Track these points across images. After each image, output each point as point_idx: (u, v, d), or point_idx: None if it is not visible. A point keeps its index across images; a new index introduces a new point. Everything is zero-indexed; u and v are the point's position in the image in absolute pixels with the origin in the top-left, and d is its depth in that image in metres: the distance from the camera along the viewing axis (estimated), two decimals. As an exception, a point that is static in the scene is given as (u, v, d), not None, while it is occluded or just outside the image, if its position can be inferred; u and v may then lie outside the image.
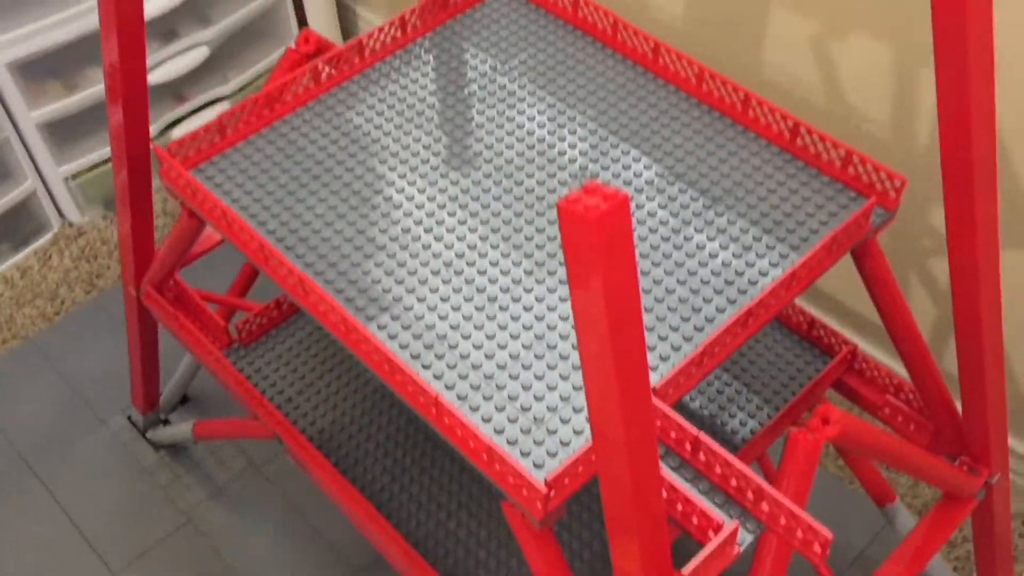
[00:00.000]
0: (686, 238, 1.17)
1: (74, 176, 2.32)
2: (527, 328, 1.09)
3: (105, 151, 2.31)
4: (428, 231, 1.18)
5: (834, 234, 1.13)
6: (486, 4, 1.45)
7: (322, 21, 2.48)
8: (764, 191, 1.21)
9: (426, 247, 1.17)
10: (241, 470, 1.91)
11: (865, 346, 1.89)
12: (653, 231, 1.18)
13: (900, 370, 1.68)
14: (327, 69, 1.34)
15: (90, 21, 2.08)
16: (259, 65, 2.44)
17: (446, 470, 1.38)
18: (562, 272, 1.14)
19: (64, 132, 2.24)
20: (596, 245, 0.69)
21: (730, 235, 1.17)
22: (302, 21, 2.49)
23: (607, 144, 1.27)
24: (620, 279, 0.71)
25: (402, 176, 1.24)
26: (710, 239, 1.17)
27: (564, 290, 1.12)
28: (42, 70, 2.13)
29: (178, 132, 2.37)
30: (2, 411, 2.05)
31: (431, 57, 1.39)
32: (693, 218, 1.19)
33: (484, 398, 1.03)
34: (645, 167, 1.24)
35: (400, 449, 1.40)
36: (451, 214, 1.20)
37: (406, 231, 1.19)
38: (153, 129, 2.31)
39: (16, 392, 2.08)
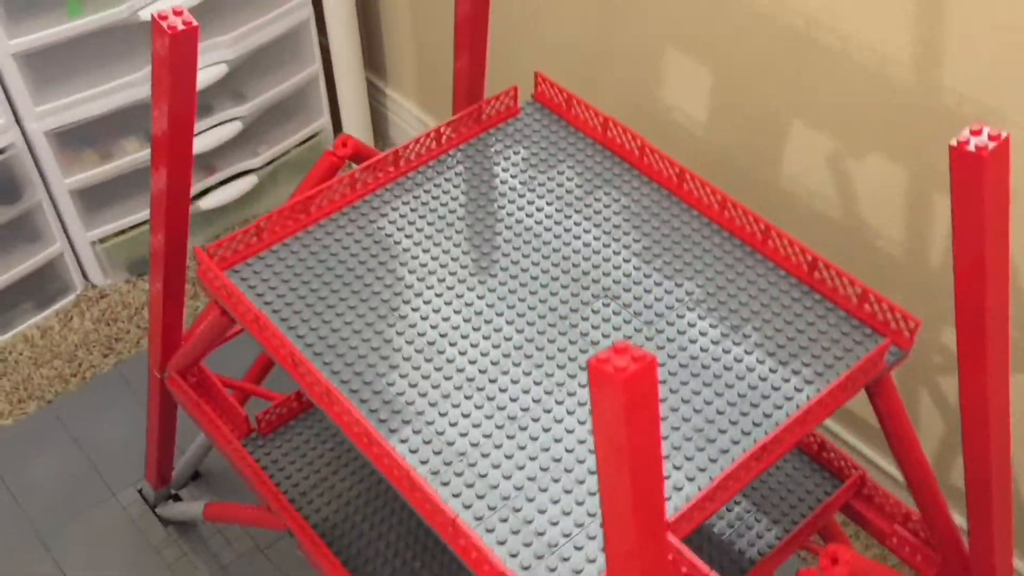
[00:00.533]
0: (703, 366, 1.20)
1: (101, 240, 2.37)
2: (545, 450, 1.11)
3: (132, 218, 2.37)
4: (453, 344, 1.22)
5: (849, 373, 1.16)
6: (518, 119, 1.50)
7: (352, 102, 2.55)
8: (781, 322, 1.24)
9: (450, 360, 1.20)
10: (247, 551, 1.92)
11: (872, 454, 1.90)
12: (672, 356, 1.21)
13: (907, 496, 1.70)
14: (362, 178, 1.39)
15: (129, 94, 2.14)
16: (288, 141, 2.51)
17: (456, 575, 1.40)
18: (582, 394, 1.16)
19: (95, 198, 2.30)
20: (624, 405, 0.72)
21: (747, 365, 1.20)
22: (333, 101, 2.56)
23: (631, 265, 1.31)
24: (643, 438, 0.74)
25: (430, 287, 1.28)
26: (727, 368, 1.20)
27: (583, 412, 1.15)
28: (79, 139, 2.19)
29: (206, 202, 2.42)
30: (14, 474, 2.07)
31: (463, 168, 1.44)
32: (711, 345, 1.22)
33: (500, 520, 1.05)
34: (667, 291, 1.28)
35: (411, 551, 1.42)
36: (475, 328, 1.23)
37: (431, 343, 1.22)
38: (181, 197, 2.38)
39: (29, 455, 2.10)
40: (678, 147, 1.84)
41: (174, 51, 1.12)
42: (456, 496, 1.07)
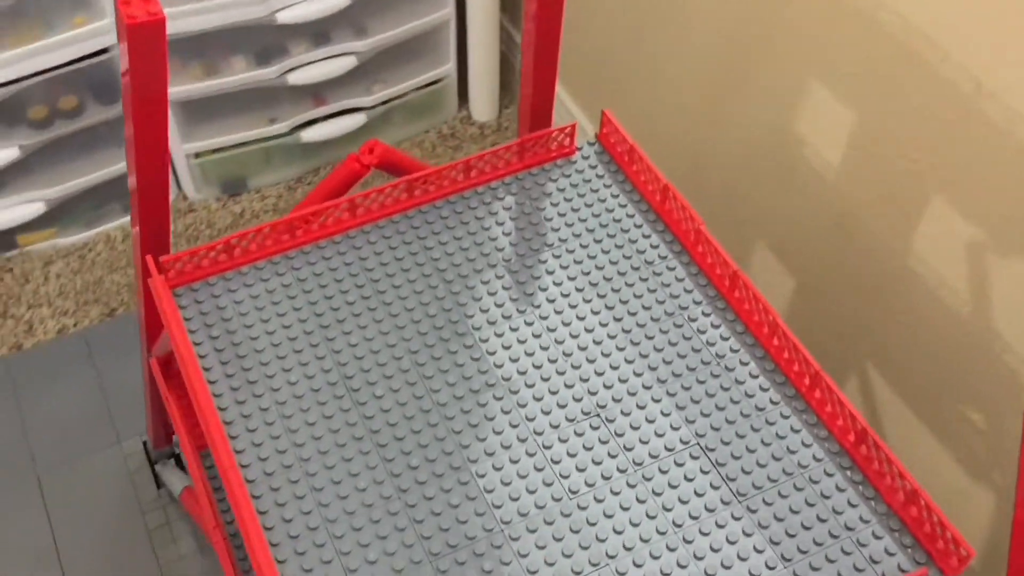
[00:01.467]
0: (701, 532, 0.97)
1: (197, 155, 2.29)
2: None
3: (230, 137, 2.29)
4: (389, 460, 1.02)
5: (862, 599, 0.91)
6: (571, 161, 1.27)
7: (482, 51, 2.35)
8: (802, 501, 0.99)
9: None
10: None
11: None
12: (650, 516, 0.98)
13: None
14: (364, 204, 1.19)
15: (241, 12, 2.03)
16: (406, 84, 2.34)
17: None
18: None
19: (196, 112, 2.22)
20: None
21: (737, 551, 0.96)
22: (462, 49, 2.36)
23: (625, 388, 1.07)
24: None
25: (381, 364, 1.08)
26: (713, 549, 0.96)
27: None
28: (187, 50, 2.11)
29: (308, 134, 2.31)
30: (31, 399, 2.02)
31: (472, 216, 1.22)
32: (703, 512, 0.98)
33: None
34: (657, 433, 1.04)
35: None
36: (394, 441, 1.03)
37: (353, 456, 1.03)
38: (284, 127, 2.27)
39: (50, 383, 2.04)
40: (801, 187, 1.56)
41: (136, 49, 0.94)
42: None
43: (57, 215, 2.26)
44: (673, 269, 1.17)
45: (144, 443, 1.95)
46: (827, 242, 1.57)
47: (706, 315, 1.13)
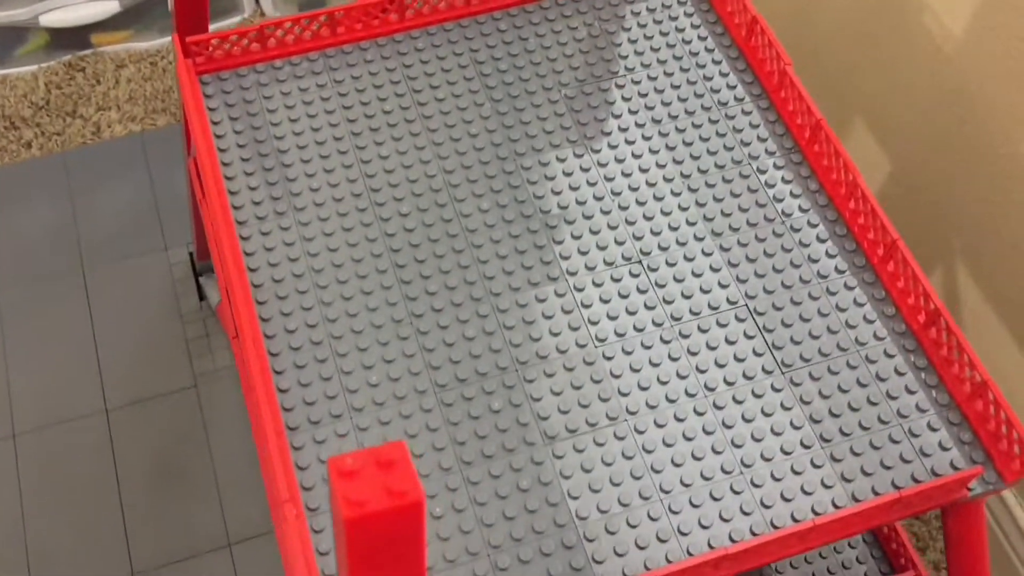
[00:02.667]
0: (736, 400, 0.87)
1: None
2: (417, 455, 0.84)
3: None
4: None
5: (921, 489, 0.81)
6: (650, -17, 1.13)
7: None
8: (853, 380, 0.88)
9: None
10: (264, 357, 1.78)
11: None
12: (701, 371, 0.89)
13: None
14: (415, 5, 1.07)
15: None
16: None
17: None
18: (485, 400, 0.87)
19: None
20: (348, 551, 0.45)
21: (792, 420, 0.86)
22: None
23: (673, 235, 0.97)
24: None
25: (412, 180, 0.99)
26: (765, 413, 0.87)
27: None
28: None
29: None
30: (83, 195, 1.99)
31: (533, 28, 1.10)
32: (741, 380, 0.88)
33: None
34: (703, 289, 0.94)
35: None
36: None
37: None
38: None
39: (102, 181, 2.01)
40: (914, 56, 1.39)
41: None
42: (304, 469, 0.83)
43: (133, 17, 2.19)
44: (749, 113, 1.04)
45: (190, 253, 1.92)
46: (934, 122, 1.40)
47: (778, 168, 1.00)
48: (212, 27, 2.21)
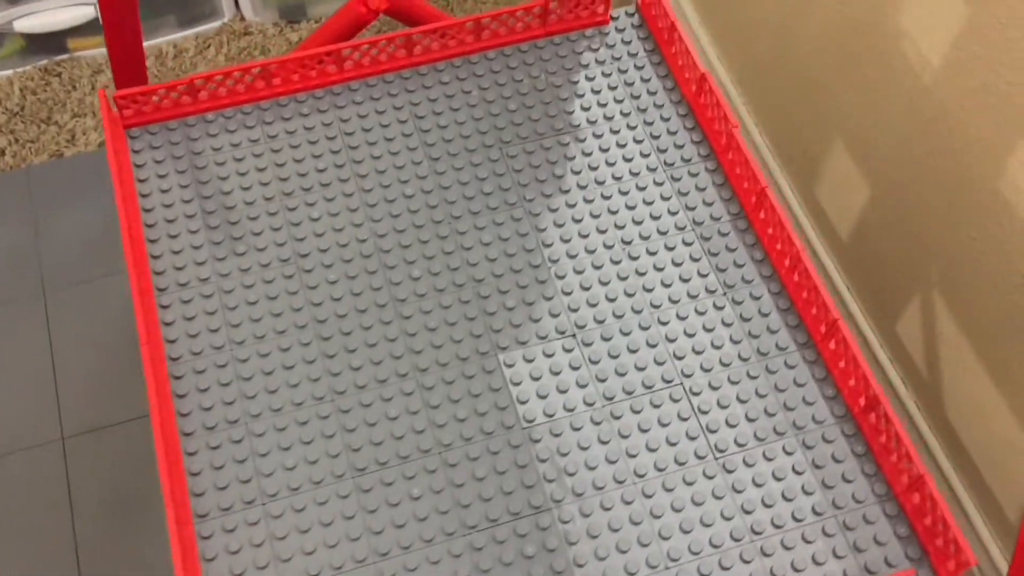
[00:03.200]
0: (678, 461, 0.84)
1: None
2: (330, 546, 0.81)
3: None
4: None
5: (833, 594, 0.78)
6: (603, 31, 1.09)
7: None
8: (789, 466, 0.85)
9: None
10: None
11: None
12: (649, 449, 0.85)
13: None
14: (354, 57, 1.04)
15: None
16: None
17: None
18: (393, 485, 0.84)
19: None
20: None
21: (722, 511, 0.83)
22: None
23: (611, 308, 0.93)
24: None
25: (342, 245, 0.96)
26: (695, 503, 0.83)
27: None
28: None
29: None
30: (46, 217, 1.96)
31: (475, 81, 1.06)
32: (681, 485, 0.85)
33: None
34: (658, 359, 0.90)
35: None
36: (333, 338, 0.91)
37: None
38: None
39: (66, 200, 1.98)
40: (892, 84, 1.36)
41: None
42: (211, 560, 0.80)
43: (106, 23, 2.15)
44: (696, 175, 1.00)
45: (153, 275, 1.89)
46: (911, 150, 1.36)
47: (722, 234, 0.97)
48: (193, 31, 2.18)
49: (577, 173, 1.00)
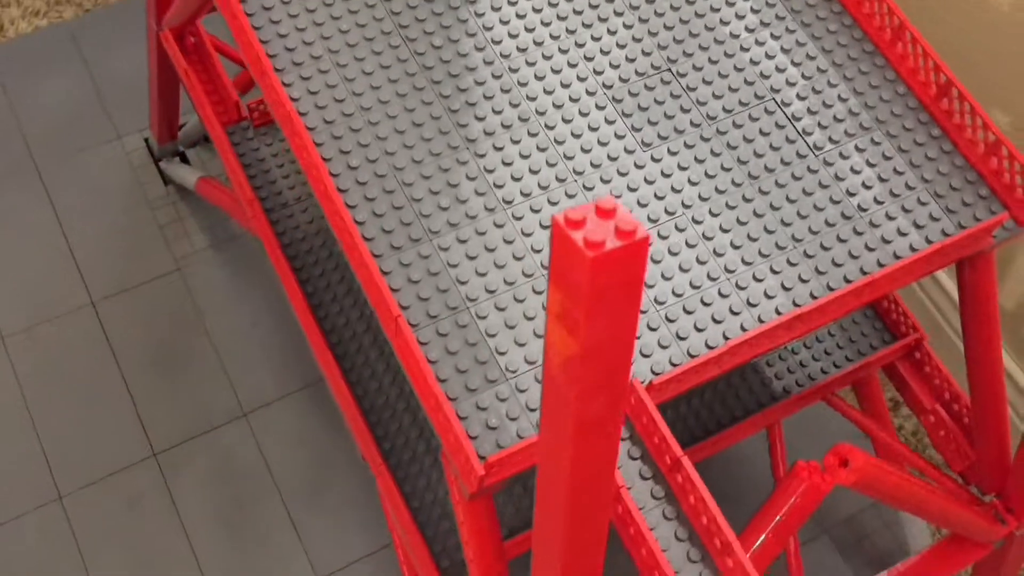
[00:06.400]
0: (794, 176, 0.94)
1: None
2: (499, 266, 0.89)
3: None
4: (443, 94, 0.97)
5: (942, 245, 0.90)
6: None
7: None
8: (878, 154, 0.96)
9: (418, 124, 0.96)
10: (244, 233, 1.78)
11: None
12: (758, 155, 0.95)
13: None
14: None
15: None
16: None
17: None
18: (547, 211, 0.93)
19: None
20: (591, 290, 0.50)
21: (847, 187, 0.94)
22: None
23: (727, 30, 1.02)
24: (613, 332, 0.52)
25: None
26: (822, 185, 0.94)
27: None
28: None
29: None
30: (19, 92, 1.91)
31: None
32: (809, 153, 0.95)
33: (438, 333, 0.86)
34: (763, 73, 1.00)
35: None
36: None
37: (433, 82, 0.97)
38: None
39: (37, 76, 1.94)
40: None
41: None
42: (395, 291, 0.87)
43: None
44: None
45: (146, 140, 1.88)
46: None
47: (781, -33, 1.05)
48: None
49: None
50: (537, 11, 1.01)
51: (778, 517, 0.88)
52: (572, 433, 0.55)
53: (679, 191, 0.94)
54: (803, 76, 1.00)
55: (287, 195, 1.30)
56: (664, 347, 0.87)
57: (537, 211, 0.92)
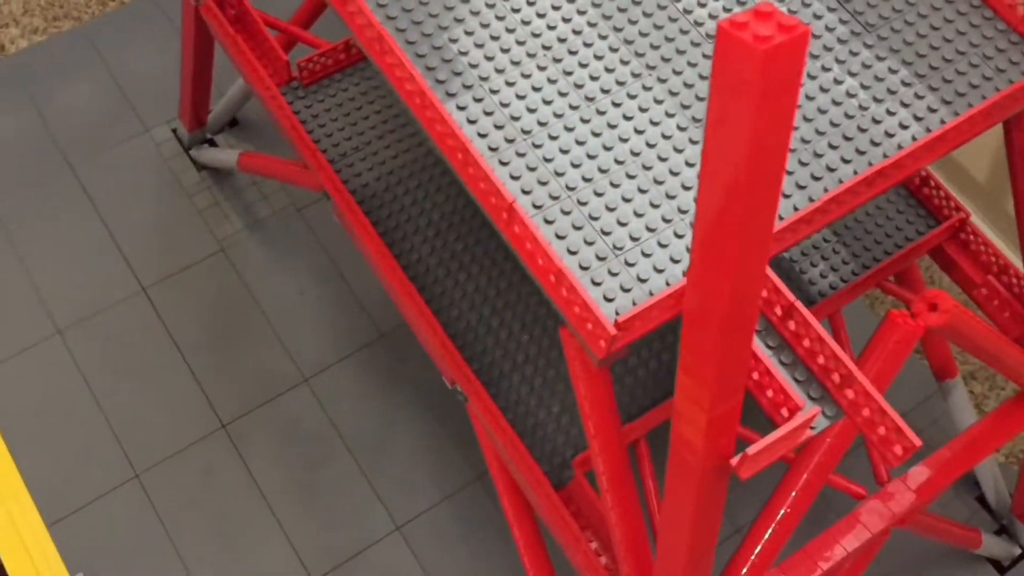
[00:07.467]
0: (824, 67, 1.01)
1: None
2: (623, 140, 0.95)
3: None
4: (531, 3, 1.02)
5: (999, 98, 0.97)
6: None
7: None
8: (926, 26, 1.03)
9: (525, 22, 1.01)
10: (282, 208, 1.83)
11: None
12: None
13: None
14: None
15: None
16: None
17: (500, 266, 1.29)
18: (675, 81, 0.98)
19: None
20: (758, 84, 0.55)
21: (875, 73, 1.00)
22: None
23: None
24: (775, 127, 0.58)
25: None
26: (851, 73, 1.00)
27: (673, 103, 0.97)
28: None
29: None
30: (44, 97, 1.95)
31: None
32: (836, 44, 1.02)
33: (562, 212, 0.91)
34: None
35: (454, 231, 1.30)
36: (560, -13, 1.04)
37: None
38: None
39: (61, 79, 1.97)
40: None
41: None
42: (515, 179, 0.93)
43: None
44: None
45: (174, 130, 1.92)
46: None
47: None
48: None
49: None
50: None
51: (878, 365, 0.94)
52: (736, 232, 0.60)
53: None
54: (845, -36, 1.06)
55: (344, 145, 1.35)
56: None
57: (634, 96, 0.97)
